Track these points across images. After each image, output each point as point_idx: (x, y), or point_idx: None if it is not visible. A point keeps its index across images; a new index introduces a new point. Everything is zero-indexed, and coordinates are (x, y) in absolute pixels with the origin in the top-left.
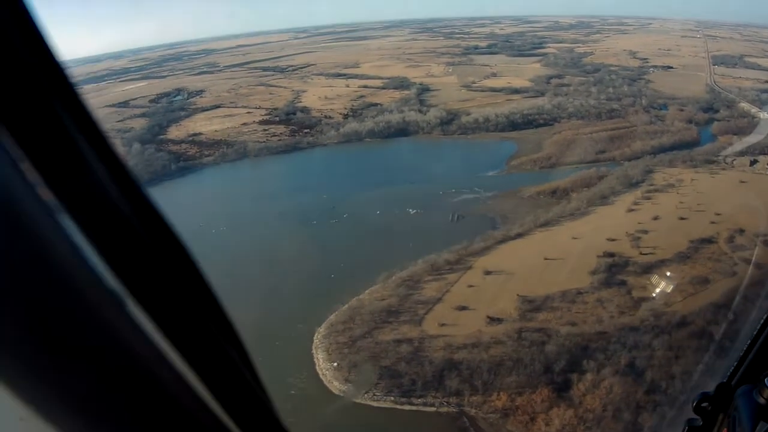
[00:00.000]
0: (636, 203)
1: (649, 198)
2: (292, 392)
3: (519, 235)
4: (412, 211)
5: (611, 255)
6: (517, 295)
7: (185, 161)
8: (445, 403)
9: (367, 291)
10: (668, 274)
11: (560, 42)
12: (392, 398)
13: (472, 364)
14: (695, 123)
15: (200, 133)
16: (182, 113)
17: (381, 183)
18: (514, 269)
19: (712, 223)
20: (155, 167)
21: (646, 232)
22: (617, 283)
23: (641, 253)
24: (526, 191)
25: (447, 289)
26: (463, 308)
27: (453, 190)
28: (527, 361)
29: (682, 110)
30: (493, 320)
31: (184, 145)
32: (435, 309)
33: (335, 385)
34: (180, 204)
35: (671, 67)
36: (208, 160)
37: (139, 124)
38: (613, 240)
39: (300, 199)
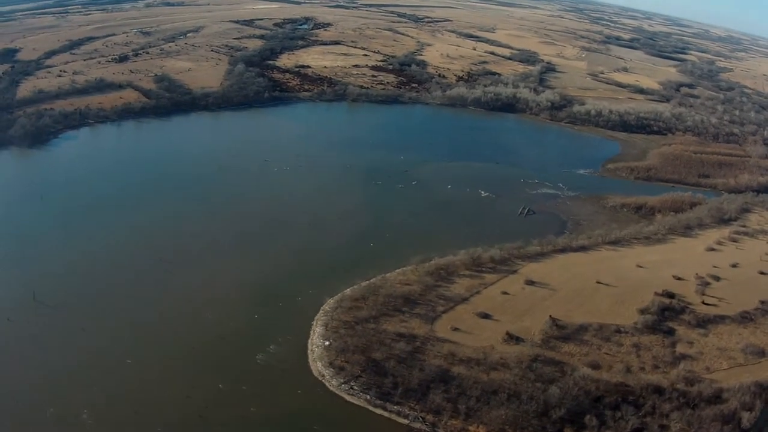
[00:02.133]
0: (719, 243)
1: (735, 240)
2: (270, 362)
3: (582, 248)
4: (483, 194)
5: (671, 296)
6: (550, 316)
7: (281, 91)
8: (420, 419)
9: (397, 270)
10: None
11: (703, 51)
12: (368, 397)
13: (466, 384)
14: None
15: (308, 66)
16: (300, 42)
17: (465, 155)
18: (559, 285)
19: None
20: (248, 92)
21: (718, 278)
22: (664, 331)
23: (704, 302)
24: (611, 200)
25: (478, 290)
26: (486, 316)
27: (535, 181)
28: (525, 397)
29: None
30: (511, 338)
31: (288, 75)
32: (456, 309)
33: (317, 366)
34: (255, 135)
35: None
36: (305, 95)
37: (254, 45)
38: (679, 279)
39: (375, 156)
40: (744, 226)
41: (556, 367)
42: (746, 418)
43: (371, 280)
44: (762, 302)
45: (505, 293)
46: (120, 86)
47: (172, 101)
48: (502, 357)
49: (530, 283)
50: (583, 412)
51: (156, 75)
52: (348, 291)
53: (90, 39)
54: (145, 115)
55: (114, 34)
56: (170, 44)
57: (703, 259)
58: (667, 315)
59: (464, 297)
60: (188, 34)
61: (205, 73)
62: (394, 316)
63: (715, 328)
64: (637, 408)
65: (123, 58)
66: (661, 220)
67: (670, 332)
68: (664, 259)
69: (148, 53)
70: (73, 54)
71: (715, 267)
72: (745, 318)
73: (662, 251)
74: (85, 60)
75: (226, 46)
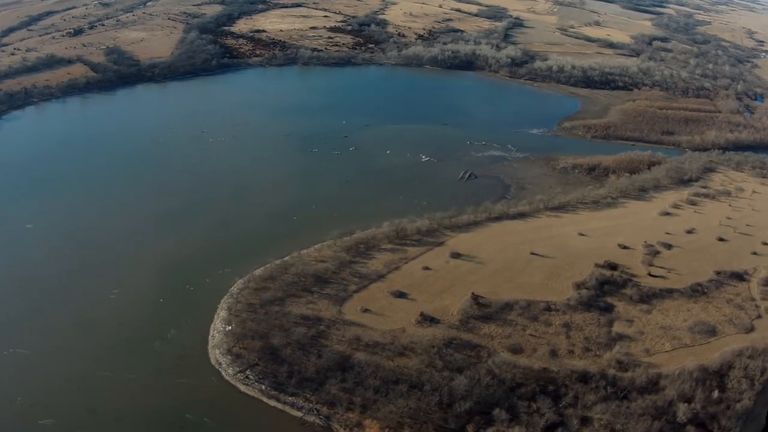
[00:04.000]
0: (676, 206)
1: (694, 203)
2: (167, 350)
3: (520, 215)
4: (424, 158)
5: (613, 267)
6: (473, 292)
7: (231, 58)
8: (314, 411)
9: (314, 246)
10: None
11: (682, 5)
12: (262, 387)
13: (367, 372)
14: None
15: (264, 31)
16: (260, 6)
17: (411, 117)
18: (488, 258)
19: (754, 254)
20: (196, 60)
21: (669, 246)
22: (601, 307)
23: (650, 274)
24: (563, 161)
25: (398, 266)
26: (402, 295)
27: (483, 142)
28: (429, 388)
29: None
30: (425, 319)
31: (241, 41)
32: (369, 288)
33: (215, 354)
34: (197, 105)
35: None
36: (255, 60)
37: (213, 11)
38: (624, 248)
39: (316, 121)
40: (705, 187)
41: (472, 352)
42: (682, 411)
43: (285, 258)
44: (717, 273)
45: (426, 268)
46: (69, 61)
47: (118, 74)
48: (411, 341)
49: (456, 256)
50: (492, 404)
51: (107, 48)
52: (259, 270)
53: (49, 13)
54: (90, 90)
55: (74, 7)
56: (128, 14)
57: (656, 225)
58: (606, 289)
59: (381, 274)
60: (148, 3)
61: (157, 43)
62: (302, 297)
63: (661, 303)
64: (556, 399)
65: (77, 32)
66: (613, 182)
67: (608, 309)
68: (612, 225)
69: (104, 25)
70: (30, 30)
71: (667, 234)
72: (696, 291)
73: (610, 217)
74: (40, 36)
75: (184, 13)
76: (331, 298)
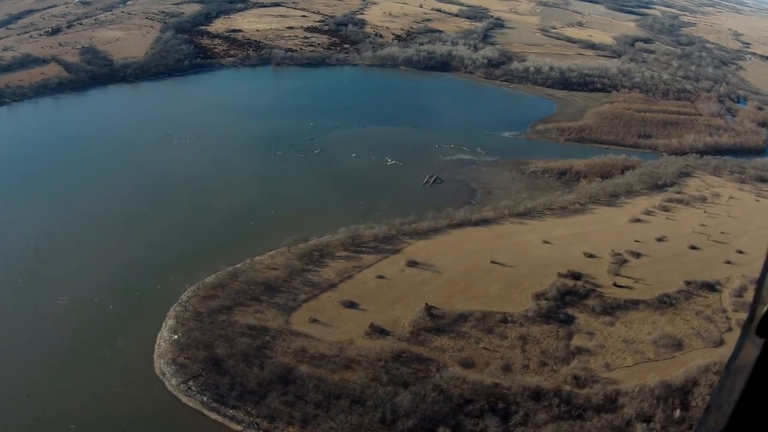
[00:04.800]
0: (648, 212)
1: (667, 209)
2: (113, 359)
3: (483, 222)
4: (389, 161)
5: (576, 276)
6: (427, 303)
7: (204, 58)
8: (254, 425)
9: (268, 253)
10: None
11: (669, 6)
12: (204, 399)
13: (309, 385)
14: None
15: (240, 30)
16: (239, 6)
17: (381, 119)
18: (446, 266)
19: (728, 263)
20: (169, 61)
21: (638, 255)
22: (561, 319)
23: (615, 284)
24: (533, 165)
25: (351, 274)
26: (353, 305)
27: (452, 145)
28: (372, 403)
29: (761, 109)
30: (375, 331)
31: (216, 41)
32: (319, 298)
33: (160, 364)
34: (166, 106)
35: None
36: (228, 61)
37: (191, 10)
38: (590, 256)
39: (283, 123)
40: (680, 193)
41: (421, 366)
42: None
43: (237, 265)
44: (687, 283)
45: (380, 277)
46: (44, 61)
47: (91, 74)
48: (358, 354)
49: (412, 264)
50: (438, 421)
51: (82, 47)
52: (210, 277)
53: (29, 12)
54: (62, 91)
55: (55, 6)
56: (106, 13)
57: (625, 233)
58: (568, 300)
59: (333, 283)
60: (128, 2)
61: (133, 43)
62: (250, 306)
63: (625, 315)
64: (506, 417)
65: (55, 31)
66: (583, 187)
67: (568, 321)
68: (578, 232)
69: (81, 24)
70: (9, 29)
71: (637, 241)
72: (663, 302)
73: (577, 224)
74: (19, 35)
75: (163, 12)
76: (279, 307)
